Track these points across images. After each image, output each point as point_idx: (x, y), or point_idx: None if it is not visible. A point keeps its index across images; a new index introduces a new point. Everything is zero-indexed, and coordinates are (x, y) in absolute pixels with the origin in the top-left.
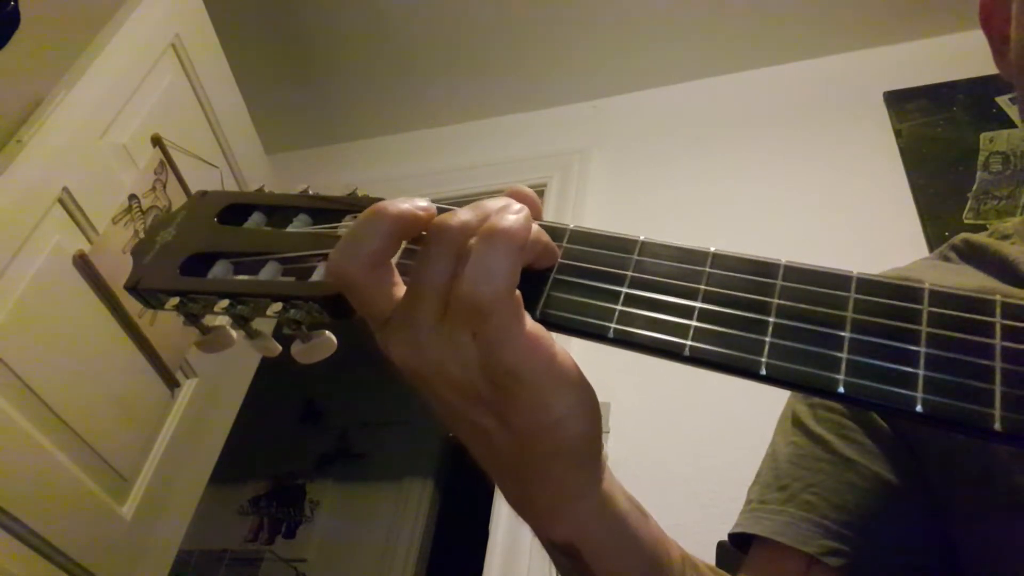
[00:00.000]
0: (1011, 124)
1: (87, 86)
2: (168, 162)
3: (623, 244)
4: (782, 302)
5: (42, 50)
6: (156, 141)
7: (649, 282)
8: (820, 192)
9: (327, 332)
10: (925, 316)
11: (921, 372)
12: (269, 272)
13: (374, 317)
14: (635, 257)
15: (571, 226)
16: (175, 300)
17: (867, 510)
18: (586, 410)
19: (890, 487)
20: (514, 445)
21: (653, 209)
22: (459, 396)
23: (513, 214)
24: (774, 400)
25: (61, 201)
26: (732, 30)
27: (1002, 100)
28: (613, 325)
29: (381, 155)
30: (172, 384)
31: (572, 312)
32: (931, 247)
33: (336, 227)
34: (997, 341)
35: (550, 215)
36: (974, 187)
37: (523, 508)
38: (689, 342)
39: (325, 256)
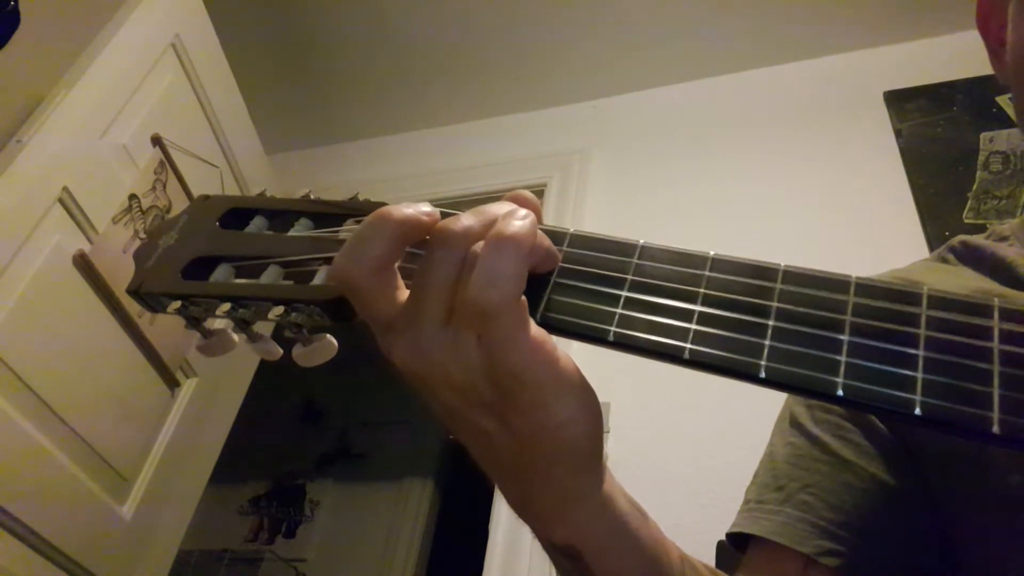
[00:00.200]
0: (1011, 124)
1: (87, 86)
2: (168, 162)
3: (623, 248)
4: (781, 305)
5: (42, 50)
6: (156, 141)
7: (649, 285)
8: (820, 192)
9: (328, 335)
10: (924, 319)
11: (920, 375)
12: (271, 276)
13: (377, 321)
14: (635, 261)
15: (571, 230)
16: (177, 304)
17: (864, 511)
18: (587, 413)
19: (887, 488)
20: (516, 448)
21: (653, 209)
22: (462, 399)
23: (519, 220)
24: (774, 401)
25: (61, 201)
26: (732, 30)
27: (1002, 100)
28: (613, 328)
29: (381, 155)
30: (172, 384)
31: (572, 315)
32: (931, 247)
33: (337, 231)
34: (995, 344)
35: (550, 215)
36: (974, 187)
37: (524, 510)
38: (689, 345)
39: (326, 260)
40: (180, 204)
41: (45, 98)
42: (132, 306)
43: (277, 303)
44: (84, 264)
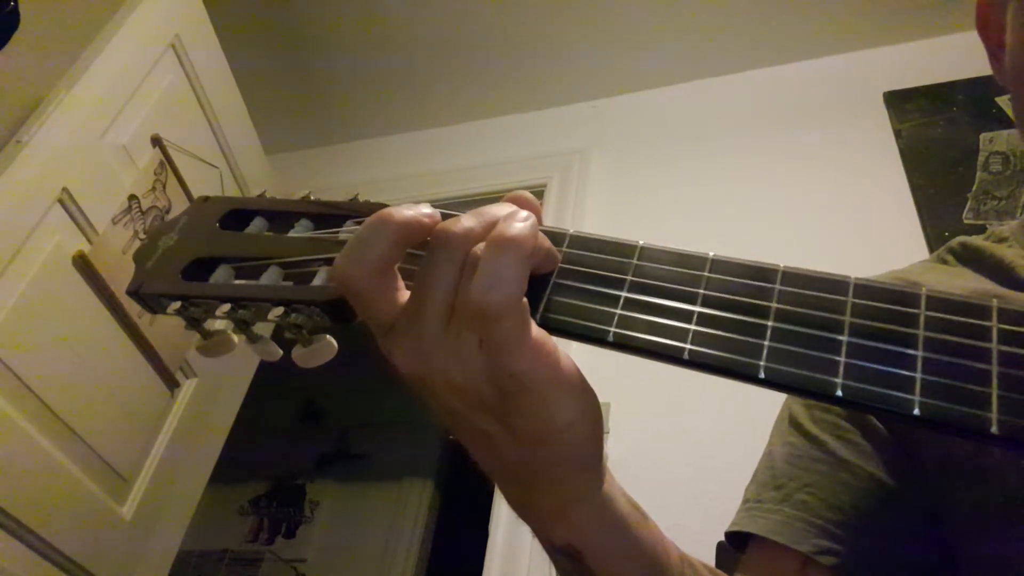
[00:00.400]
0: (1011, 124)
1: (87, 86)
2: (168, 162)
3: (622, 249)
4: (780, 306)
5: (42, 50)
6: (156, 141)
7: (648, 286)
8: (820, 192)
9: (328, 336)
10: (922, 320)
11: (918, 376)
12: (271, 277)
13: (377, 322)
14: (634, 262)
15: (570, 231)
16: (177, 304)
17: (862, 510)
18: (588, 415)
19: (885, 488)
20: (517, 450)
21: (653, 209)
22: (463, 401)
23: (520, 221)
24: (773, 401)
25: (61, 201)
26: (732, 30)
27: (1002, 100)
28: (613, 329)
29: (381, 155)
30: (172, 384)
31: (572, 316)
32: (931, 247)
33: (337, 232)
34: (994, 345)
35: (550, 215)
36: (974, 187)
37: (525, 511)
38: (688, 346)
39: (326, 261)
40: (180, 204)
41: (45, 98)
42: (132, 307)
43: (277, 304)
44: (84, 264)
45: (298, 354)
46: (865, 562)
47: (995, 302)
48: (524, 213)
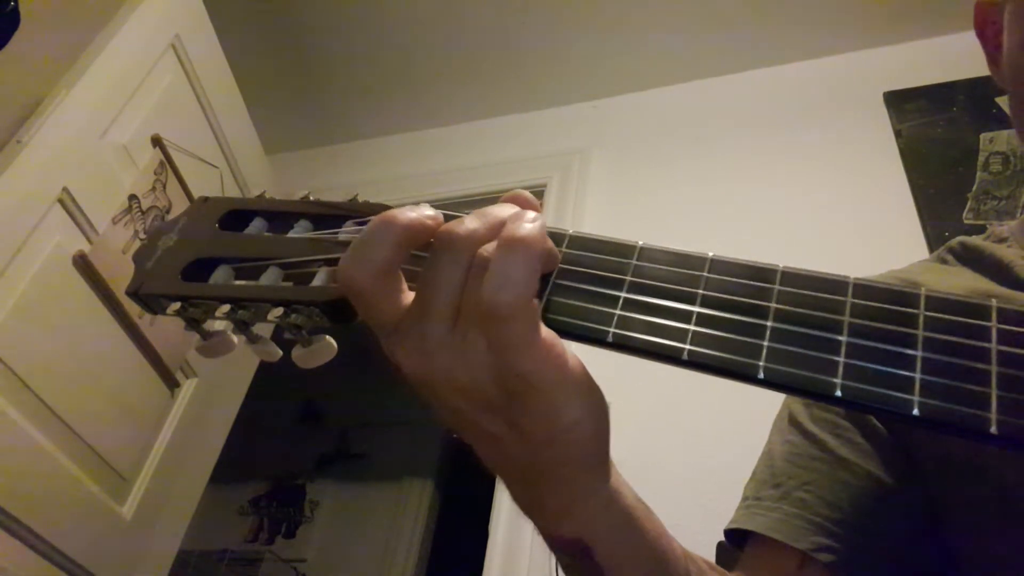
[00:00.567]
0: (1011, 124)
1: (87, 86)
2: (168, 162)
3: (622, 249)
4: (780, 306)
5: (42, 50)
6: (156, 141)
7: (648, 287)
8: (820, 192)
9: (327, 336)
10: (922, 320)
11: (918, 376)
12: (270, 277)
13: (381, 324)
14: (634, 262)
15: (570, 231)
16: (176, 305)
17: (860, 508)
18: (595, 412)
19: (883, 486)
20: (525, 450)
21: (653, 209)
22: (469, 403)
23: (529, 223)
24: (773, 401)
25: (61, 201)
26: (732, 30)
27: (1002, 100)
28: (612, 329)
29: (381, 155)
30: (172, 384)
31: (571, 316)
32: (931, 247)
33: (337, 232)
34: (993, 345)
35: (550, 215)
36: (974, 187)
37: (531, 508)
38: (687, 346)
39: (326, 261)
40: (180, 204)
41: (45, 98)
42: (132, 307)
43: (277, 304)
44: (84, 264)
45: (298, 354)
46: (863, 560)
47: (994, 302)
48: (532, 214)
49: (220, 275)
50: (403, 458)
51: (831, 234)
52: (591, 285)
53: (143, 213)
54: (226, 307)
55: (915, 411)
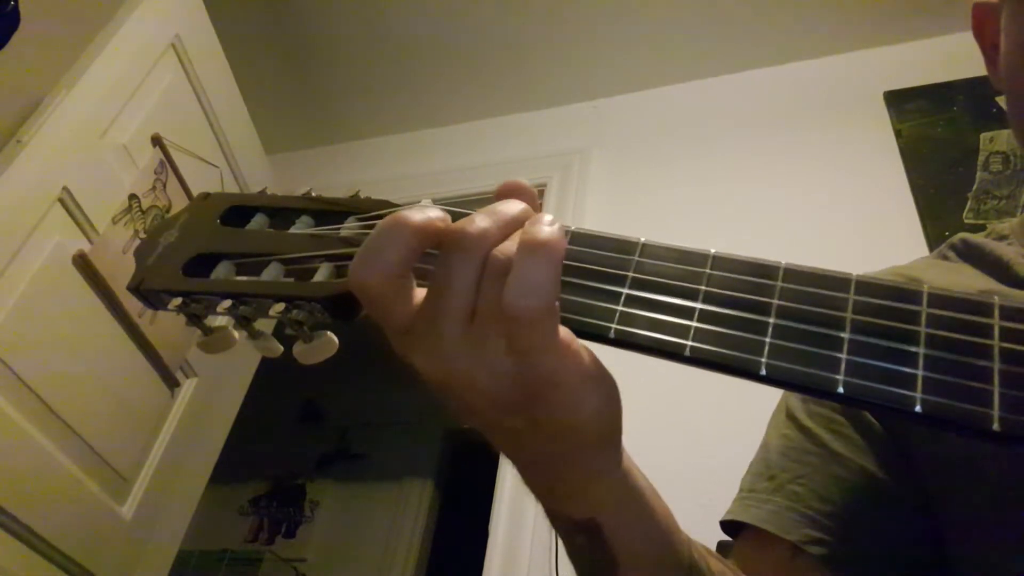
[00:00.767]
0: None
1: (87, 86)
2: (168, 162)
3: (624, 245)
4: (782, 303)
5: (42, 50)
6: (156, 141)
7: (650, 283)
8: (820, 192)
9: (329, 332)
10: (924, 317)
11: (920, 373)
12: (272, 273)
13: (393, 326)
14: (636, 258)
15: (572, 227)
16: (178, 300)
17: (852, 503)
18: (610, 401)
19: (876, 481)
20: (543, 441)
21: (653, 209)
22: (488, 402)
23: (548, 225)
24: (773, 400)
25: (61, 201)
26: (732, 30)
27: (1002, 100)
28: (614, 326)
29: (381, 155)
30: (172, 384)
31: (573, 313)
32: (931, 247)
33: (338, 228)
34: (995, 342)
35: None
36: (974, 187)
37: (543, 492)
38: (689, 343)
39: (328, 257)
40: (180, 204)
41: (45, 98)
42: (132, 306)
43: (278, 300)
44: (84, 264)
45: (299, 350)
46: (854, 553)
47: (997, 299)
48: (549, 217)
49: (222, 271)
50: (403, 458)
51: (831, 234)
52: (593, 281)
53: (143, 213)
54: (227, 303)
55: (917, 408)
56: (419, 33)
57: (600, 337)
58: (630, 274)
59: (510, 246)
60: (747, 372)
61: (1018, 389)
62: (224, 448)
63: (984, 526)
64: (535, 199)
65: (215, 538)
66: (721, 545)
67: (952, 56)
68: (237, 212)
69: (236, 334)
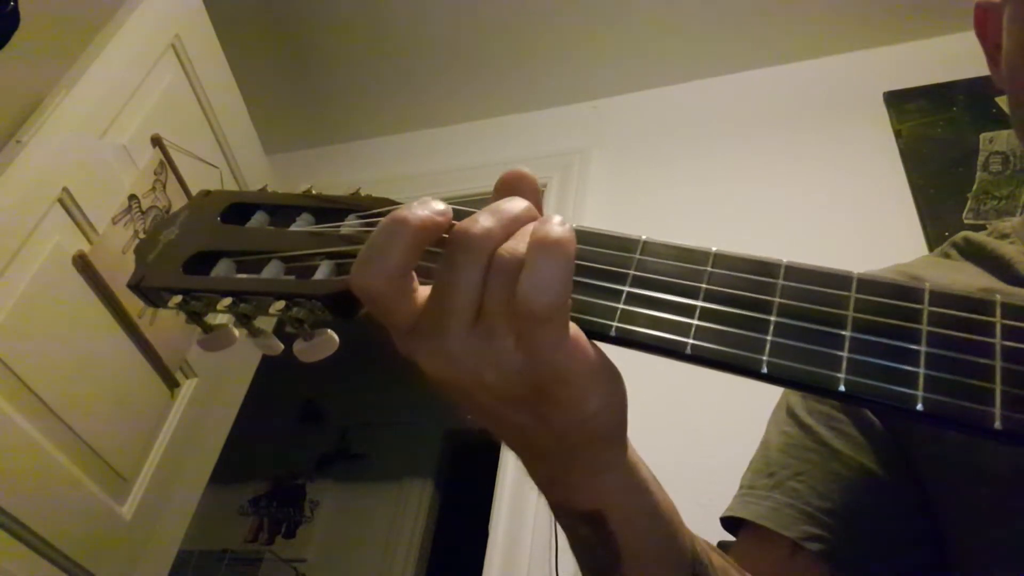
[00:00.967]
0: (1011, 124)
1: (87, 86)
2: (168, 162)
3: (625, 243)
4: (783, 301)
5: (42, 50)
6: (156, 141)
7: (651, 281)
8: (820, 192)
9: (329, 331)
10: (925, 315)
11: (922, 371)
12: (272, 271)
13: (397, 326)
14: (637, 256)
15: (573, 226)
16: (178, 298)
17: (851, 499)
18: (617, 396)
19: (875, 478)
20: (550, 436)
21: (653, 209)
22: (496, 400)
23: (559, 225)
24: (774, 399)
25: (61, 201)
26: (732, 30)
27: (1002, 100)
28: (615, 324)
29: (381, 155)
30: (172, 384)
31: (575, 311)
32: (931, 247)
33: (339, 226)
34: (997, 340)
35: None
36: (974, 187)
37: (549, 484)
38: (691, 340)
39: (328, 255)
40: (180, 204)
41: (45, 98)
42: (132, 306)
43: (278, 298)
44: (84, 264)
45: (299, 348)
46: (852, 550)
47: (998, 297)
48: (558, 218)
49: (222, 268)
50: (403, 458)
51: (831, 234)
52: (594, 279)
53: (143, 213)
54: (228, 300)
55: (919, 406)
56: (419, 33)
57: (601, 335)
58: (631, 272)
59: (514, 244)
60: (748, 370)
61: (1020, 387)
62: (224, 448)
63: (984, 526)
64: (536, 188)
65: (215, 538)
66: (722, 545)
67: (952, 56)
68: (237, 210)
69: (236, 332)
